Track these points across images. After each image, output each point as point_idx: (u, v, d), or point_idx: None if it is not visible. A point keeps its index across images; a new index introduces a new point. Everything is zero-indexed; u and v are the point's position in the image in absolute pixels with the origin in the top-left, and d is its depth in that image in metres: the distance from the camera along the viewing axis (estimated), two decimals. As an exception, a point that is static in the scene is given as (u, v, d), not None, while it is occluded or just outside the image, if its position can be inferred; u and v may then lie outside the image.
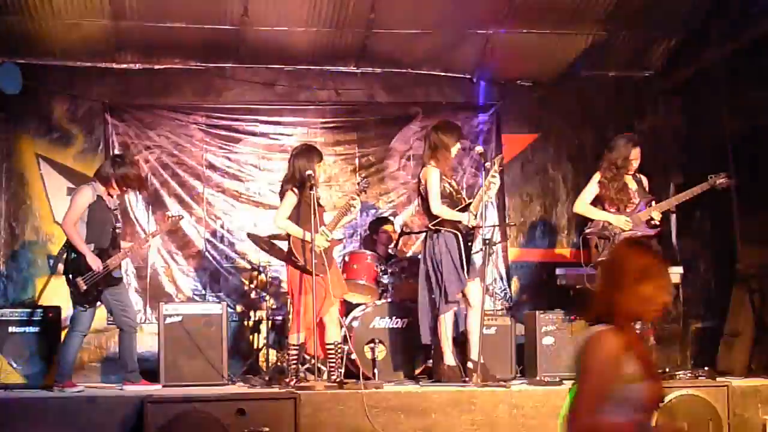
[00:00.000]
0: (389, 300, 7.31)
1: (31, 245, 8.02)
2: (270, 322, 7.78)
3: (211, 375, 6.85)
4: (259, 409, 5.44)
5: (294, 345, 6.44)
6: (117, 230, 6.69)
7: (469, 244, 6.49)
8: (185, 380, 6.79)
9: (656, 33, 8.07)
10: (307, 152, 6.55)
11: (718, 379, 6.33)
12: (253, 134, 8.51)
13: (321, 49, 8.13)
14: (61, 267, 6.65)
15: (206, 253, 8.32)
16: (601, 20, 7.76)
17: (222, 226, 8.39)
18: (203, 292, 8.20)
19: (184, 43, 7.91)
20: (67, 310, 6.84)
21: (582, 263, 6.85)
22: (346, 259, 7.53)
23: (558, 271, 7.55)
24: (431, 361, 7.03)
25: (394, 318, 7.17)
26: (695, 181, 6.83)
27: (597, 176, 6.85)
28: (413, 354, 7.13)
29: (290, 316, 6.82)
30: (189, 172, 8.37)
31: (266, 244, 7.12)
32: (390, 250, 7.95)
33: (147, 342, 7.68)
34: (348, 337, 6.71)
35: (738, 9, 7.38)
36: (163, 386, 6.69)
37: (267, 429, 5.34)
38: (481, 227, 6.57)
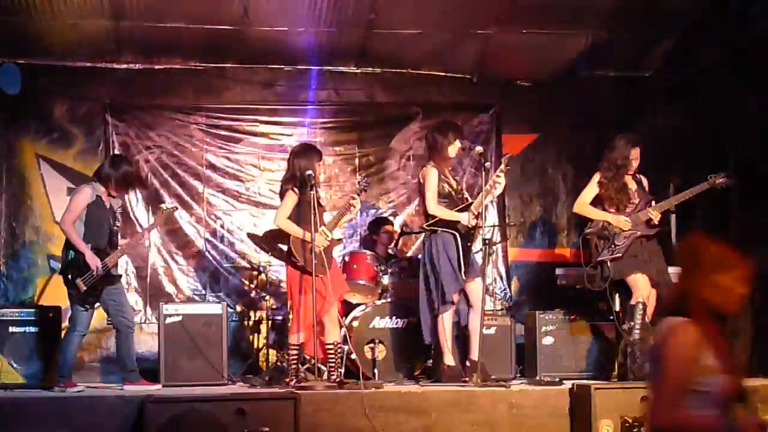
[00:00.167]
0: (389, 300, 7.31)
1: (31, 245, 8.02)
2: (270, 322, 7.78)
3: (211, 375, 6.85)
4: (259, 409, 5.43)
5: (294, 345, 6.44)
6: (115, 230, 6.68)
7: (469, 244, 6.49)
8: (185, 380, 6.79)
9: (656, 33, 8.07)
10: (307, 152, 6.55)
11: (718, 379, 6.32)
12: (253, 134, 8.51)
13: (321, 49, 8.13)
14: (59, 267, 6.62)
15: (206, 253, 8.32)
16: (601, 20, 7.76)
17: (222, 226, 8.40)
18: (203, 292, 8.20)
19: (184, 43, 7.91)
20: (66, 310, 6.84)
21: (582, 263, 6.85)
22: (346, 259, 7.53)
23: (558, 271, 7.57)
24: (431, 361, 7.03)
25: (394, 318, 7.17)
26: (695, 181, 6.83)
27: (597, 176, 6.85)
28: (413, 354, 7.13)
29: (290, 316, 6.82)
30: (189, 172, 8.37)
31: (266, 243, 7.13)
32: (390, 250, 7.95)
33: (147, 342, 7.69)
34: (348, 337, 6.71)
35: (737, 9, 7.37)
36: (163, 386, 6.68)
37: (267, 429, 5.33)
38: (481, 227, 6.57)
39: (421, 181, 6.71)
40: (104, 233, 6.57)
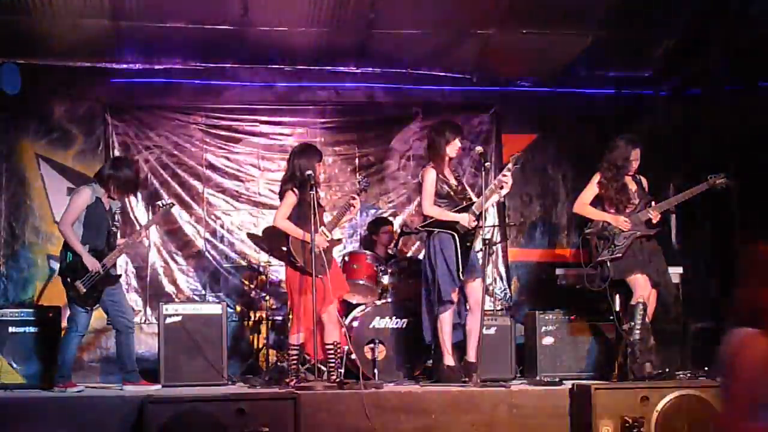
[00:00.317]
0: (389, 300, 7.31)
1: (31, 245, 8.03)
2: (270, 322, 7.78)
3: (211, 375, 6.84)
4: (259, 409, 5.43)
5: (294, 345, 6.44)
6: (113, 231, 6.67)
7: (468, 244, 6.47)
8: (185, 380, 6.79)
9: (656, 33, 8.07)
10: (307, 152, 6.54)
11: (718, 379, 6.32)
12: (253, 134, 8.51)
13: (321, 49, 8.13)
14: (58, 269, 6.62)
15: (206, 253, 8.32)
16: (601, 20, 7.76)
17: (222, 226, 8.40)
18: (203, 292, 8.21)
19: (184, 43, 7.91)
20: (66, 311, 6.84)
21: (582, 263, 6.85)
22: (346, 259, 7.53)
23: (558, 271, 7.57)
24: (431, 361, 7.03)
25: (394, 318, 7.17)
26: (695, 181, 6.83)
27: (597, 177, 6.85)
28: (413, 354, 7.13)
29: (290, 316, 6.82)
30: (189, 172, 8.38)
31: (266, 243, 7.12)
32: (389, 251, 7.95)
33: (147, 342, 7.70)
34: (348, 337, 6.71)
35: (737, 9, 7.37)
36: (163, 386, 6.68)
37: (267, 429, 5.33)
38: (482, 227, 6.56)
39: (420, 181, 6.71)
40: (102, 235, 6.57)
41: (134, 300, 8.05)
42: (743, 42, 7.36)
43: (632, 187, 6.83)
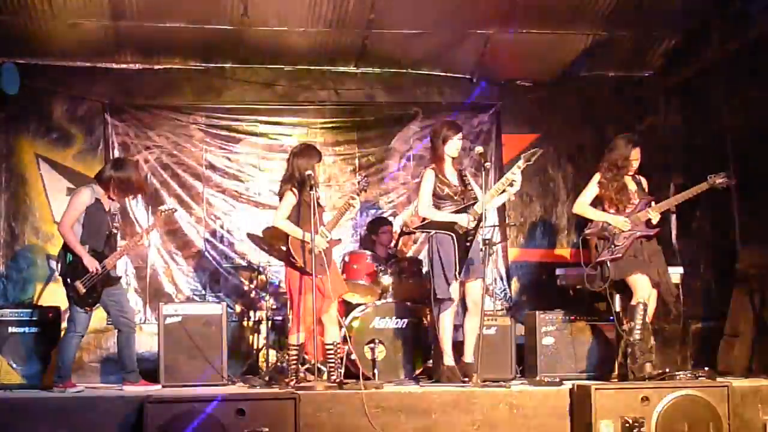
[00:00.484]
0: (389, 300, 7.31)
1: (31, 245, 8.04)
2: (270, 322, 7.77)
3: (211, 375, 6.85)
4: (259, 410, 5.43)
5: (294, 345, 6.44)
6: (113, 233, 6.67)
7: (467, 244, 6.47)
8: (185, 380, 6.79)
9: (656, 33, 8.07)
10: (307, 152, 6.53)
11: (718, 379, 6.32)
12: (253, 134, 8.52)
13: (321, 49, 8.14)
14: (58, 270, 6.62)
15: (206, 253, 8.33)
16: (601, 20, 7.76)
17: (222, 226, 8.41)
18: (203, 292, 8.21)
19: (184, 43, 7.91)
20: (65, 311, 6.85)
21: (582, 263, 6.84)
22: (346, 259, 7.53)
23: (558, 272, 7.57)
24: (431, 361, 7.03)
25: (394, 318, 7.17)
26: (695, 181, 6.83)
27: (597, 177, 6.84)
28: (413, 354, 7.12)
29: (290, 316, 6.82)
30: (189, 172, 8.38)
31: (266, 243, 7.12)
32: (389, 250, 7.95)
33: (147, 342, 7.69)
34: (348, 337, 6.71)
35: (738, 9, 7.37)
36: (163, 386, 6.68)
37: (267, 429, 5.33)
38: (482, 227, 6.55)
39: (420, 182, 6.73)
40: (102, 235, 6.56)
41: (134, 300, 8.05)
42: (743, 42, 7.36)
43: (632, 187, 6.82)
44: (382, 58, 8.34)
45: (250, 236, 7.49)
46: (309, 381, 6.31)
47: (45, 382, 6.66)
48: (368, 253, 7.56)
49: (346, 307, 7.36)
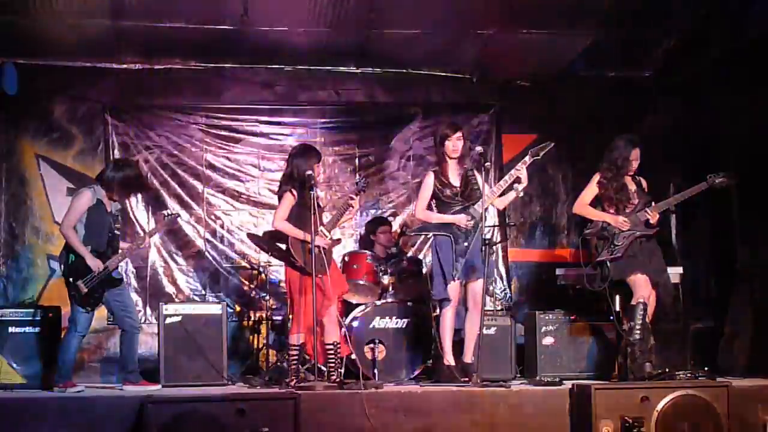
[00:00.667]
0: (389, 300, 7.31)
1: (31, 245, 8.04)
2: (270, 322, 7.78)
3: (211, 375, 6.85)
4: (259, 410, 5.43)
5: (294, 345, 6.44)
6: (115, 234, 6.67)
7: (465, 245, 6.47)
8: (185, 380, 6.79)
9: (656, 33, 8.07)
10: (305, 152, 6.53)
11: (718, 379, 6.33)
12: (253, 134, 8.52)
13: (321, 49, 8.13)
14: (60, 270, 6.62)
15: (206, 253, 8.33)
16: (601, 20, 7.76)
17: (222, 226, 8.41)
18: (203, 292, 8.21)
19: (184, 43, 7.91)
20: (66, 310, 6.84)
21: (582, 263, 6.85)
22: (346, 259, 7.53)
23: (558, 271, 7.56)
24: (431, 361, 7.04)
25: (394, 318, 7.17)
26: (695, 181, 6.83)
27: (597, 176, 6.85)
28: (413, 354, 7.13)
29: (290, 317, 6.82)
30: (189, 172, 8.38)
31: (266, 243, 7.12)
32: (389, 250, 7.94)
33: (147, 342, 7.69)
34: (348, 337, 6.71)
35: (737, 9, 7.37)
36: (163, 386, 6.68)
37: (267, 429, 5.33)
38: (482, 227, 6.55)
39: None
40: (104, 236, 6.56)
41: (134, 300, 8.03)
42: (743, 42, 7.36)
43: (632, 187, 6.82)
44: (382, 58, 8.34)
45: (251, 236, 7.50)
46: (309, 381, 6.32)
47: (45, 382, 6.66)
48: (368, 253, 7.56)
49: (346, 307, 7.36)
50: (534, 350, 7.18)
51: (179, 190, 8.33)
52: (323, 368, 6.44)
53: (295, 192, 6.37)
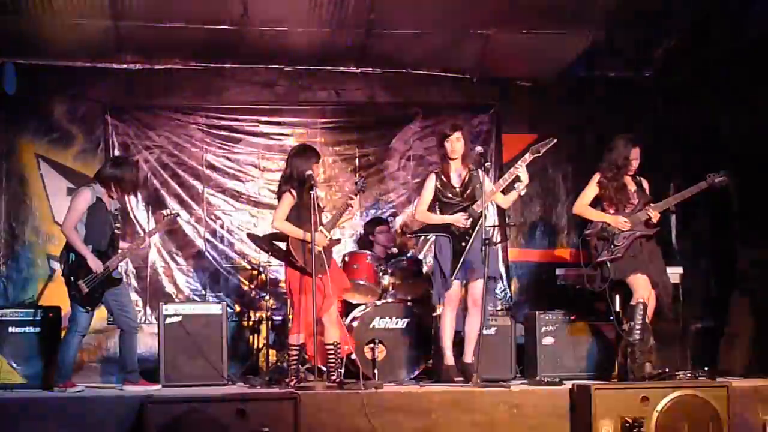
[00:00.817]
0: (389, 300, 7.31)
1: (31, 245, 8.03)
2: (270, 322, 7.78)
3: (211, 375, 6.84)
4: (259, 410, 5.43)
5: (294, 345, 6.44)
6: (116, 232, 6.68)
7: (463, 244, 6.47)
8: (185, 380, 6.79)
9: (656, 33, 8.07)
10: (305, 152, 6.52)
11: (718, 379, 6.33)
12: (253, 134, 8.52)
13: (321, 49, 8.14)
14: (60, 270, 6.62)
15: (206, 253, 8.33)
16: (601, 20, 7.76)
17: (222, 226, 8.41)
18: (203, 292, 8.21)
19: (184, 43, 7.91)
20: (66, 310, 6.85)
21: (582, 264, 6.85)
22: (346, 259, 7.53)
23: (558, 272, 7.57)
24: (431, 361, 7.04)
25: (394, 318, 7.17)
26: (695, 181, 6.83)
27: (596, 176, 6.85)
28: (413, 354, 7.13)
29: (290, 317, 6.82)
30: (189, 172, 8.38)
31: (266, 244, 7.12)
32: (389, 251, 7.94)
33: (147, 342, 7.69)
34: (348, 337, 6.71)
35: (738, 9, 7.37)
36: (163, 386, 6.68)
37: (267, 429, 5.33)
38: (480, 227, 6.55)
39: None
40: (105, 235, 6.57)
41: (134, 300, 8.03)
42: (743, 42, 7.36)
43: (632, 187, 6.82)
44: (382, 58, 8.34)
45: (251, 236, 7.50)
46: (309, 381, 6.32)
47: (45, 381, 6.66)
48: (368, 253, 7.56)
49: (346, 307, 7.36)
50: (534, 350, 7.18)
51: (179, 190, 8.33)
52: (323, 368, 6.44)
53: (294, 192, 6.37)
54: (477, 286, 6.49)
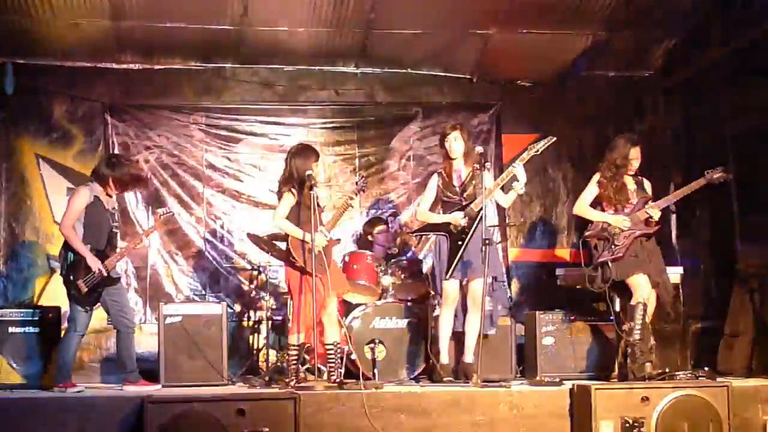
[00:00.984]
0: (389, 300, 7.31)
1: (31, 245, 8.03)
2: (270, 322, 7.78)
3: (211, 375, 6.84)
4: (259, 410, 5.43)
5: (294, 345, 6.44)
6: (114, 231, 6.68)
7: (459, 243, 6.48)
8: (185, 380, 6.79)
9: (656, 33, 8.08)
10: (304, 152, 6.52)
11: (718, 379, 6.33)
12: (253, 134, 8.52)
13: (321, 49, 8.14)
14: (59, 269, 6.62)
15: (206, 253, 8.33)
16: (601, 20, 7.76)
17: (222, 226, 8.40)
18: (203, 292, 8.21)
19: (184, 43, 7.92)
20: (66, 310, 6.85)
21: (582, 264, 6.84)
22: (346, 259, 7.53)
23: (558, 272, 7.57)
24: (431, 361, 7.04)
25: (394, 318, 7.17)
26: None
27: (596, 176, 6.85)
28: (413, 354, 7.13)
29: (290, 316, 6.82)
30: (189, 172, 8.38)
31: (266, 244, 7.12)
32: (389, 251, 7.94)
33: (147, 342, 7.69)
34: (348, 337, 6.71)
35: (738, 9, 7.37)
36: (163, 386, 6.69)
37: (267, 429, 5.33)
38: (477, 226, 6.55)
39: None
40: (104, 234, 6.57)
41: (134, 300, 8.05)
42: (743, 42, 7.36)
43: (631, 187, 6.82)
44: (382, 58, 8.34)
45: (250, 236, 7.49)
46: (309, 381, 6.31)
47: (45, 381, 6.66)
48: (368, 253, 7.56)
49: (346, 307, 7.36)
50: (534, 350, 7.18)
51: (179, 190, 8.33)
52: (323, 368, 6.44)
53: (294, 192, 6.37)
54: (477, 286, 6.50)
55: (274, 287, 7.97)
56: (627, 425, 5.60)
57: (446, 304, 6.59)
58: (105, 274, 6.46)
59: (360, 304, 7.34)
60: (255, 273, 8.14)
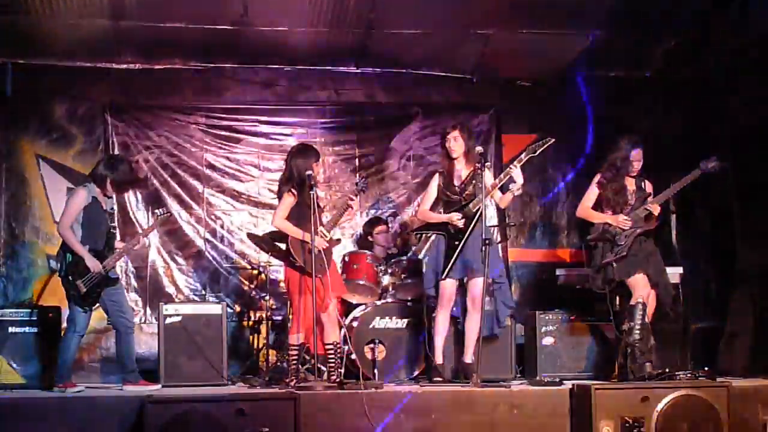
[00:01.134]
0: (389, 300, 7.31)
1: (31, 245, 8.03)
2: (270, 322, 7.78)
3: (211, 375, 6.85)
4: (259, 410, 5.43)
5: (294, 345, 6.44)
6: (112, 231, 6.68)
7: (456, 242, 6.49)
8: (185, 380, 6.79)
9: (656, 33, 8.07)
10: (304, 152, 6.52)
11: (718, 379, 6.33)
12: (253, 134, 8.52)
13: (321, 49, 8.13)
14: (58, 269, 6.62)
15: (206, 253, 8.33)
16: (601, 20, 7.76)
17: (222, 226, 8.40)
18: (203, 292, 8.20)
19: (184, 43, 7.91)
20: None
21: (583, 264, 6.84)
22: (346, 259, 7.53)
23: (558, 272, 7.57)
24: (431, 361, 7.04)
25: (394, 318, 7.17)
26: (695, 181, 6.83)
27: (597, 177, 6.85)
28: (413, 354, 7.13)
29: (290, 317, 6.82)
30: (189, 172, 8.38)
31: (266, 243, 7.12)
32: (389, 250, 7.94)
33: (147, 342, 7.69)
34: (348, 337, 6.71)
35: (738, 9, 7.37)
36: (163, 386, 6.69)
37: (267, 429, 5.33)
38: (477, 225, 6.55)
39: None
40: (102, 234, 6.57)
41: (134, 300, 8.05)
42: (743, 42, 7.36)
43: (631, 188, 6.82)
44: (382, 58, 8.34)
45: (250, 236, 7.50)
46: (309, 381, 6.32)
47: (45, 382, 6.66)
48: (368, 253, 7.56)
49: (346, 307, 7.36)
50: (534, 350, 7.18)
51: (179, 190, 8.33)
52: (323, 368, 6.44)
53: (295, 192, 6.37)
54: (476, 286, 6.50)
55: (275, 287, 7.97)
56: (627, 425, 5.60)
57: (441, 304, 6.60)
58: (104, 273, 6.46)
59: (360, 304, 7.34)
60: (255, 273, 8.14)
